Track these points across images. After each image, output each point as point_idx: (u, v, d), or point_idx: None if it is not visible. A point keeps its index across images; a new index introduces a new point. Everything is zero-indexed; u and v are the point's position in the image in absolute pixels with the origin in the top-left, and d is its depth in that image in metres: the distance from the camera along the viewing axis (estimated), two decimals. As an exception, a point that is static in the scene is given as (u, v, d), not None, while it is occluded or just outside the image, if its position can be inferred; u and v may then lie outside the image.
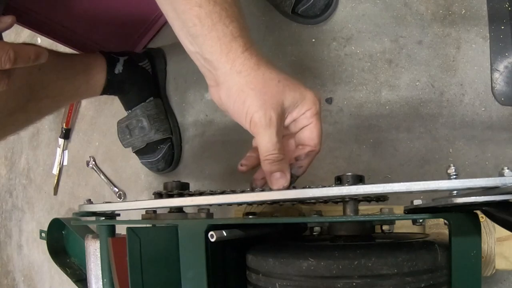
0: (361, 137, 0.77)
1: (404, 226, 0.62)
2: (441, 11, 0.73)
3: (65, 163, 1.23)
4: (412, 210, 0.43)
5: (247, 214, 0.55)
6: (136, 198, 1.05)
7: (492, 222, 0.50)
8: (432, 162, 0.71)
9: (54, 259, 0.93)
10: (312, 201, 0.55)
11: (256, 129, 0.47)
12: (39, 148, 1.32)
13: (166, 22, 0.97)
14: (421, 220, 0.52)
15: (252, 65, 0.47)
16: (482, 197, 0.33)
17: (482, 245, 0.44)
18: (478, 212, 0.38)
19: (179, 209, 0.56)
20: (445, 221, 0.40)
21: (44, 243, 0.96)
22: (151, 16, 0.95)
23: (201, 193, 0.53)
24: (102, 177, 1.11)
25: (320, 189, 0.40)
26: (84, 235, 0.63)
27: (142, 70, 0.93)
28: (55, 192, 1.24)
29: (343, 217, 0.44)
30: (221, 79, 0.48)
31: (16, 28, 1.23)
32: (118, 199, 1.07)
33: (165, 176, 0.98)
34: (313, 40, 0.82)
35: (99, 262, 0.58)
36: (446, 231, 0.41)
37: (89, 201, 0.58)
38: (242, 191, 0.47)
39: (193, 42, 0.48)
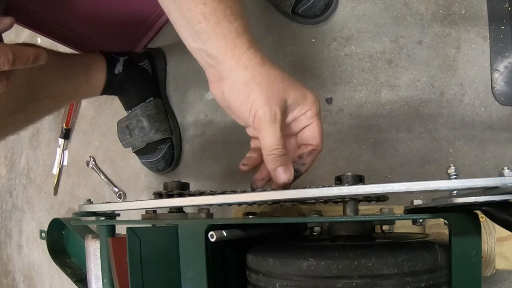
0: (361, 137, 0.77)
1: (404, 226, 0.62)
2: (441, 11, 0.73)
3: (65, 163, 1.23)
4: (412, 210, 0.43)
5: (247, 214, 0.55)
6: (136, 198, 1.05)
7: (492, 222, 0.50)
8: (432, 162, 0.71)
9: (54, 259, 0.93)
10: (312, 201, 0.55)
11: (261, 124, 0.47)
12: (39, 148, 1.32)
13: (166, 22, 0.97)
14: (421, 220, 0.52)
15: (258, 61, 0.48)
16: (482, 197, 0.33)
17: (482, 245, 0.44)
18: (478, 212, 0.38)
19: (179, 209, 0.56)
20: (445, 221, 0.40)
21: (44, 243, 0.96)
22: (151, 16, 0.95)
23: (201, 193, 0.53)
24: (102, 177, 1.11)
25: (320, 189, 0.40)
26: (84, 235, 0.63)
27: (142, 70, 0.93)
28: (55, 192, 1.24)
29: (343, 217, 0.44)
30: (225, 74, 0.49)
31: (16, 28, 1.23)
32: (118, 199, 1.07)
33: (165, 176, 0.98)
34: (313, 40, 0.82)
35: (99, 262, 0.58)
36: (446, 231, 0.41)
37: (89, 201, 0.58)
38: (243, 191, 0.47)
39: (196, 39, 0.48)
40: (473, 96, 0.70)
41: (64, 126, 1.19)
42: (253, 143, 0.57)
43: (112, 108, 1.10)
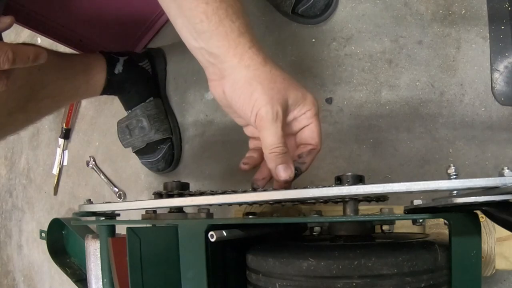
0: (361, 137, 0.77)
1: (404, 226, 0.62)
2: (441, 11, 0.73)
3: (65, 163, 1.23)
4: (412, 210, 0.43)
5: (247, 214, 0.55)
6: (136, 198, 1.05)
7: (492, 222, 0.50)
8: (432, 162, 0.71)
9: (54, 259, 0.93)
10: (312, 201, 0.55)
11: (263, 123, 0.48)
12: (39, 148, 1.32)
13: (166, 22, 0.97)
14: (421, 220, 0.52)
15: (260, 60, 0.48)
16: (482, 197, 0.33)
17: (482, 245, 0.44)
18: (478, 212, 0.38)
19: (179, 209, 0.56)
20: (445, 221, 0.40)
21: (44, 243, 0.96)
22: (151, 16, 0.95)
23: (201, 193, 0.53)
24: (102, 177, 1.11)
25: (320, 189, 0.40)
26: (84, 235, 0.63)
27: (142, 70, 0.93)
28: (55, 192, 1.24)
29: (343, 217, 0.44)
30: (227, 72, 0.49)
31: (16, 28, 1.23)
32: (118, 199, 1.07)
33: (165, 176, 0.98)
34: (313, 40, 0.82)
35: (99, 262, 0.58)
36: (446, 231, 0.41)
37: (89, 201, 0.58)
38: (243, 191, 0.47)
39: (198, 38, 0.48)
40: (473, 96, 0.70)
41: (64, 126, 1.19)
42: (252, 143, 0.57)
43: (112, 108, 1.10)
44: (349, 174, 0.47)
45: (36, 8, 0.77)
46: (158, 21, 0.97)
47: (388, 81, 0.76)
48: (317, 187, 0.41)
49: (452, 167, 0.37)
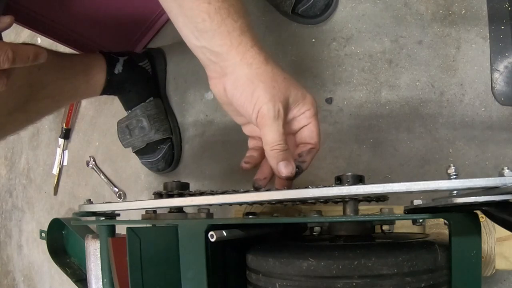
0: (361, 137, 0.77)
1: (404, 226, 0.62)
2: (441, 11, 0.73)
3: (65, 163, 1.23)
4: (412, 210, 0.43)
5: (247, 214, 0.55)
6: (136, 198, 1.05)
7: (492, 222, 0.50)
8: (432, 162, 0.71)
9: (54, 259, 0.93)
10: (312, 201, 0.55)
11: (264, 121, 0.48)
12: (39, 148, 1.32)
13: (166, 22, 0.97)
14: (421, 220, 0.52)
15: (262, 59, 0.49)
16: (482, 197, 0.33)
17: (482, 245, 0.44)
18: (478, 212, 0.38)
19: (179, 209, 0.56)
20: (445, 221, 0.40)
21: (44, 243, 0.96)
22: (151, 16, 0.95)
23: (201, 193, 0.53)
24: (102, 177, 1.11)
25: (320, 189, 0.40)
26: (84, 235, 0.63)
27: (142, 70, 0.93)
28: (55, 192, 1.24)
29: (343, 217, 0.44)
30: (229, 70, 0.49)
31: (16, 28, 1.24)
32: (118, 199, 1.07)
33: (165, 176, 0.98)
34: (313, 40, 0.82)
35: (99, 262, 0.58)
36: (446, 231, 0.41)
37: (89, 201, 0.57)
38: (245, 191, 0.47)
39: (199, 37, 0.49)
40: (473, 96, 0.70)
41: (64, 126, 1.19)
42: (251, 143, 0.57)
43: (112, 108, 1.10)
44: (349, 174, 0.47)
45: (36, 8, 0.77)
46: (158, 21, 0.97)
47: (388, 81, 0.76)
48: (317, 187, 0.41)
49: (452, 167, 0.37)
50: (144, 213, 0.56)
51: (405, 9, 0.76)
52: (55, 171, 1.23)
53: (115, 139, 0.98)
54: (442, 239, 0.43)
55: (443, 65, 0.72)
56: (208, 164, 0.93)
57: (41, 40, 1.22)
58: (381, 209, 0.49)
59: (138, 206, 0.52)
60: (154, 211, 0.56)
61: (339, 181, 0.48)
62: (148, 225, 0.53)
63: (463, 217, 0.38)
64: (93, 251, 0.60)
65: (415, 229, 0.61)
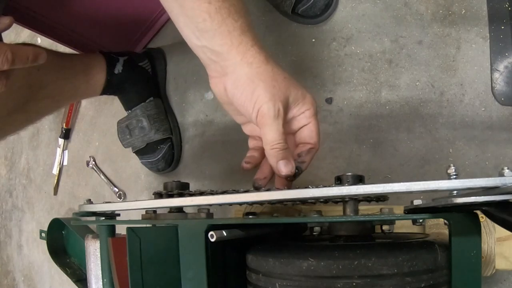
0: (361, 137, 0.77)
1: (404, 226, 0.62)
2: (441, 11, 0.73)
3: (65, 163, 1.23)
4: (412, 210, 0.43)
5: (247, 214, 0.55)
6: (136, 198, 1.05)
7: (492, 222, 0.50)
8: (432, 162, 0.71)
9: (54, 259, 0.93)
10: (312, 201, 0.55)
11: (264, 120, 0.48)
12: (39, 148, 1.32)
13: (166, 22, 0.97)
14: (421, 220, 0.52)
15: (262, 58, 0.49)
16: (482, 197, 0.33)
17: (482, 245, 0.44)
18: (478, 212, 0.38)
19: (179, 209, 0.56)
20: (445, 221, 0.40)
21: (44, 243, 0.96)
22: (151, 16, 0.95)
23: (201, 193, 0.53)
24: (102, 177, 1.11)
25: (320, 189, 0.40)
26: (84, 235, 0.63)
27: (142, 70, 0.93)
28: (55, 192, 1.24)
29: (343, 217, 0.44)
30: (229, 69, 0.49)
31: (16, 28, 1.23)
32: (118, 199, 1.07)
33: (165, 176, 0.98)
34: (313, 40, 0.82)
35: (99, 262, 0.58)
36: (446, 231, 0.41)
37: (89, 201, 0.57)
38: (245, 191, 0.47)
39: (200, 37, 0.49)
40: (473, 96, 0.70)
41: (64, 126, 1.19)
42: (251, 143, 0.57)
43: (112, 108, 1.10)
44: (349, 174, 0.47)
45: (36, 8, 0.77)
46: (158, 21, 0.97)
47: (388, 81, 0.76)
48: (317, 187, 0.41)
49: (452, 167, 0.37)
50: (144, 213, 0.56)
51: (405, 9, 0.76)
52: (55, 171, 1.23)
53: (115, 139, 0.98)
54: (442, 239, 0.43)
55: (443, 65, 0.72)
56: (208, 164, 0.93)
57: (41, 40, 1.22)
58: (381, 209, 0.49)
59: (138, 206, 0.52)
60: (154, 211, 0.56)
61: (339, 181, 0.48)
62: (148, 225, 0.53)
63: (463, 217, 0.38)
64: (93, 251, 0.60)
65: (415, 229, 0.61)
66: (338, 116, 0.79)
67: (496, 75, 0.69)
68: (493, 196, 0.32)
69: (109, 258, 0.52)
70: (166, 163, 0.94)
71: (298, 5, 0.79)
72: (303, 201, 0.56)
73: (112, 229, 0.57)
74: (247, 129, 0.58)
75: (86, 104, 1.19)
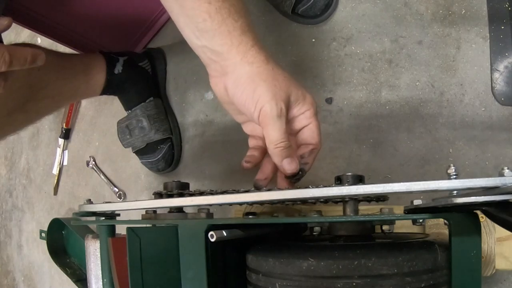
0: (361, 137, 0.77)
1: (404, 226, 0.62)
2: (441, 11, 0.73)
3: (65, 163, 1.23)
4: (412, 210, 0.43)
5: (247, 214, 0.55)
6: (136, 198, 1.05)
7: (492, 222, 0.50)
8: (432, 162, 0.71)
9: (54, 259, 0.93)
10: (312, 201, 0.55)
11: (267, 119, 0.48)
12: (39, 148, 1.32)
13: (166, 22, 0.97)
14: (421, 220, 0.52)
15: (263, 58, 0.49)
16: (482, 197, 0.33)
17: (482, 245, 0.44)
18: (478, 212, 0.38)
19: (179, 209, 0.56)
20: (445, 221, 0.40)
21: (44, 243, 0.96)
22: (151, 16, 0.95)
23: (201, 193, 0.53)
24: (102, 177, 1.11)
25: (320, 189, 0.40)
26: (84, 235, 0.63)
27: (142, 70, 0.93)
28: (55, 192, 1.24)
29: (343, 217, 0.44)
30: (230, 69, 0.49)
31: (16, 28, 1.23)
32: (118, 199, 1.07)
33: (165, 176, 0.98)
34: (313, 40, 0.82)
35: (99, 262, 0.58)
36: (446, 231, 0.41)
37: (89, 201, 0.58)
38: (245, 191, 0.47)
39: (200, 37, 0.49)
40: (473, 96, 0.70)
41: (64, 126, 1.19)
42: (252, 142, 0.58)
43: (112, 108, 1.10)
44: (349, 174, 0.47)
45: (36, 8, 0.77)
46: (158, 21, 0.97)
47: (388, 81, 0.76)
48: (317, 187, 0.41)
49: (452, 167, 0.37)
50: (144, 213, 0.56)
51: (405, 9, 0.76)
52: (55, 171, 1.23)
53: (115, 139, 0.98)
54: (442, 239, 0.43)
55: (443, 65, 0.72)
56: (208, 164, 0.93)
57: (41, 40, 1.22)
58: (381, 209, 0.49)
59: (138, 206, 0.52)
60: (154, 211, 0.56)
61: (339, 181, 0.48)
62: (148, 225, 0.53)
63: (463, 217, 0.38)
64: (93, 251, 0.60)
65: (415, 229, 0.61)
66: (338, 116, 0.79)
67: (496, 75, 0.69)
68: (493, 196, 0.32)
69: (109, 258, 0.52)
70: (166, 163, 0.94)
71: (298, 5, 0.79)
72: (303, 201, 0.56)
73: (112, 229, 0.57)
74: (247, 129, 0.58)
75: (86, 104, 1.19)
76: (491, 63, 0.69)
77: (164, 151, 0.93)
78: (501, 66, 0.68)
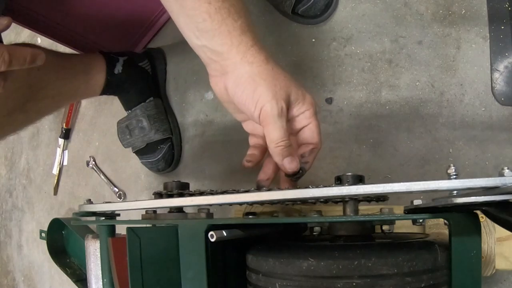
0: (361, 137, 0.77)
1: (404, 226, 0.62)
2: (441, 11, 0.73)
3: (65, 163, 1.23)
4: (412, 210, 0.43)
5: (247, 214, 0.55)
6: (136, 198, 1.04)
7: (492, 222, 0.50)
8: (432, 162, 0.71)
9: (54, 259, 0.93)
10: (312, 201, 0.55)
11: (268, 118, 0.49)
12: (39, 148, 1.32)
13: (166, 22, 0.97)
14: (421, 220, 0.52)
15: (262, 58, 0.49)
16: (482, 197, 0.33)
17: (482, 245, 0.44)
18: (478, 212, 0.38)
19: (179, 209, 0.56)
20: (445, 221, 0.40)
21: (44, 243, 0.96)
22: (151, 16, 0.95)
23: (201, 193, 0.53)
24: (102, 177, 1.11)
25: (320, 189, 0.40)
26: (84, 235, 0.63)
27: (142, 70, 0.92)
28: (55, 192, 1.24)
29: (343, 217, 0.44)
30: (230, 69, 0.50)
31: (16, 28, 1.24)
32: (118, 199, 1.07)
33: (165, 176, 0.98)
34: (313, 40, 0.82)
35: (99, 262, 0.58)
36: (446, 231, 0.41)
37: (89, 201, 0.57)
38: (245, 191, 0.47)
39: (200, 37, 0.49)
40: (473, 96, 0.70)
41: (64, 126, 1.19)
42: (252, 140, 0.58)
43: (112, 108, 1.10)
44: (349, 174, 0.47)
45: (36, 8, 0.77)
46: (158, 21, 0.97)
47: (388, 81, 0.76)
48: (317, 187, 0.41)
49: (452, 167, 0.37)
50: (144, 213, 0.56)
51: (405, 9, 0.76)
52: (55, 171, 1.23)
53: (115, 139, 0.98)
54: (442, 239, 0.43)
55: (443, 65, 0.72)
56: (208, 164, 0.93)
57: (41, 40, 1.22)
58: (381, 209, 0.49)
59: (138, 206, 0.52)
60: (154, 211, 0.56)
61: (339, 181, 0.48)
62: (148, 225, 0.53)
63: (463, 217, 0.38)
64: (93, 251, 0.60)
65: (415, 229, 0.61)
66: (338, 116, 0.79)
67: (496, 75, 0.69)
68: (493, 196, 0.32)
69: (109, 258, 0.52)
70: (166, 163, 0.94)
71: (298, 5, 0.79)
72: (303, 201, 0.56)
73: (112, 229, 0.57)
74: (248, 127, 0.58)
75: (86, 104, 1.19)
76: (491, 63, 0.69)
77: (164, 151, 0.93)
78: (501, 66, 0.68)
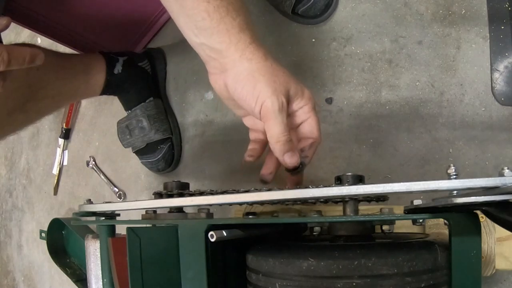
0: (361, 137, 0.77)
1: (404, 226, 0.62)
2: (441, 11, 0.73)
3: (65, 163, 1.23)
4: (412, 210, 0.43)
5: (247, 214, 0.55)
6: (136, 198, 1.04)
7: (492, 222, 0.50)
8: (432, 162, 0.71)
9: (54, 259, 0.93)
10: (312, 201, 0.55)
11: (268, 114, 0.49)
12: (39, 148, 1.32)
13: (166, 22, 0.97)
14: (421, 220, 0.52)
15: (261, 55, 0.50)
16: (482, 197, 0.33)
17: (482, 245, 0.44)
18: (478, 212, 0.38)
19: (179, 209, 0.56)
20: (445, 221, 0.40)
21: (44, 243, 0.96)
22: (151, 16, 0.95)
23: (201, 193, 0.53)
24: (102, 177, 1.11)
25: (320, 189, 0.40)
26: (84, 235, 0.63)
27: (142, 70, 0.92)
28: (55, 192, 1.24)
29: (343, 217, 0.44)
30: (229, 66, 0.50)
31: (16, 28, 1.24)
32: (118, 199, 1.07)
33: (165, 176, 0.98)
34: (313, 40, 0.82)
35: (99, 262, 0.58)
36: (446, 231, 0.41)
37: (89, 201, 0.58)
38: (245, 191, 0.47)
39: (199, 35, 0.50)
40: (473, 96, 0.70)
41: (64, 126, 1.19)
42: (252, 135, 0.59)
43: (112, 108, 1.10)
44: (349, 174, 0.47)
45: (36, 8, 0.77)
46: (158, 21, 0.97)
47: (388, 81, 0.76)
48: (317, 187, 0.41)
49: (452, 167, 0.37)
50: (144, 213, 0.56)
51: (405, 9, 0.76)
52: (55, 171, 1.23)
53: (115, 139, 0.98)
54: (442, 239, 0.43)
55: (443, 65, 0.72)
56: (208, 164, 0.93)
57: (41, 40, 1.22)
58: (381, 209, 0.49)
59: (138, 206, 0.52)
60: (154, 211, 0.56)
61: (339, 181, 0.48)
62: (148, 225, 0.53)
63: (463, 217, 0.38)
64: (93, 251, 0.60)
65: (415, 229, 0.61)
66: (338, 116, 0.79)
67: (496, 75, 0.68)
68: (493, 196, 0.32)
69: (109, 258, 0.52)
70: (166, 163, 0.94)
71: (298, 5, 0.79)
72: (303, 201, 0.56)
73: (112, 229, 0.57)
74: (248, 122, 0.59)
75: (86, 104, 1.19)
76: (491, 63, 0.69)
77: (164, 151, 0.93)
78: (501, 66, 0.68)
